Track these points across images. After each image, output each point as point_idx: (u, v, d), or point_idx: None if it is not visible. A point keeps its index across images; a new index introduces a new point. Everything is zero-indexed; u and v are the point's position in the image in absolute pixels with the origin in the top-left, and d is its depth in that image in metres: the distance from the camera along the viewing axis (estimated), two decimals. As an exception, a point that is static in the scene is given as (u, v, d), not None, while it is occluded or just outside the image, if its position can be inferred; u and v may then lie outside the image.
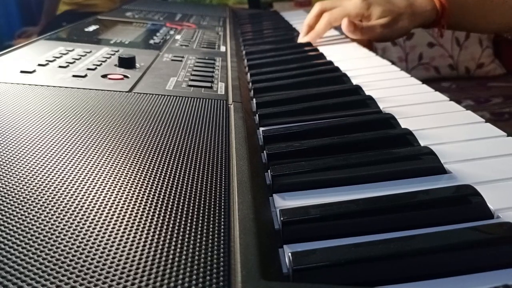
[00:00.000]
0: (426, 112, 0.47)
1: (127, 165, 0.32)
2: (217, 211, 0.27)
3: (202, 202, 0.28)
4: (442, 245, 0.25)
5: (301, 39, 0.85)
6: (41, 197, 0.27)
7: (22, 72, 0.52)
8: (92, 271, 0.21)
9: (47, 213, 0.26)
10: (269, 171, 0.35)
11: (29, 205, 0.26)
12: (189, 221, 0.26)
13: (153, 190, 0.29)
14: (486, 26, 0.85)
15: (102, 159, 0.33)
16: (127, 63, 0.58)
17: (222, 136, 0.38)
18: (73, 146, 0.34)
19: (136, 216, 0.26)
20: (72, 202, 0.27)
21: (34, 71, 0.52)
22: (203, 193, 0.29)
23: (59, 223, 0.25)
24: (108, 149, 0.34)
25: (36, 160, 0.31)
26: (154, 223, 0.26)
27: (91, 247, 0.23)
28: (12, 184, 0.28)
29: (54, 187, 0.28)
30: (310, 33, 0.84)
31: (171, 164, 0.33)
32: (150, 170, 0.32)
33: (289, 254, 0.25)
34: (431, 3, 0.78)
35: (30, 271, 0.21)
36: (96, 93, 0.47)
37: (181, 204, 0.28)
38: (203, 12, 1.21)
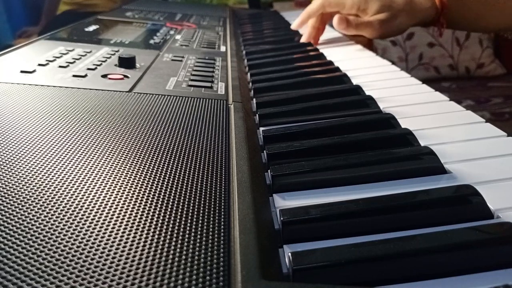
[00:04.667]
0: (426, 112, 0.47)
1: (127, 165, 0.32)
2: (217, 211, 0.27)
3: (202, 202, 0.28)
4: (442, 245, 0.25)
5: (293, 25, 0.85)
6: (41, 197, 0.27)
7: (22, 72, 0.52)
8: (92, 271, 0.21)
9: (47, 213, 0.26)
10: (269, 171, 0.35)
11: (29, 205, 0.26)
12: (189, 221, 0.26)
13: (153, 190, 0.29)
14: (486, 25, 0.84)
15: (102, 159, 0.33)
16: (127, 63, 0.58)
17: (222, 136, 0.38)
18: (73, 146, 0.34)
19: (136, 216, 0.26)
20: (72, 202, 0.27)
21: (34, 71, 0.52)
22: (203, 193, 0.29)
23: (59, 223, 0.25)
24: (108, 149, 0.34)
25: (36, 160, 0.31)
26: (154, 223, 0.26)
27: (91, 247, 0.23)
28: (12, 184, 0.28)
29: (54, 187, 0.28)
30: (302, 13, 0.84)
31: (171, 164, 0.33)
32: (150, 170, 0.32)
33: (289, 254, 0.25)
34: (430, 1, 0.77)
35: (30, 271, 0.21)
36: (96, 93, 0.47)
37: (181, 204, 0.28)
38: (203, 12, 1.21)
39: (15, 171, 0.30)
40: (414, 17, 0.77)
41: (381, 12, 0.76)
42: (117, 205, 0.27)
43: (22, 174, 0.30)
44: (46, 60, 0.57)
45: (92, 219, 0.25)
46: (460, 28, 0.88)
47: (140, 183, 0.30)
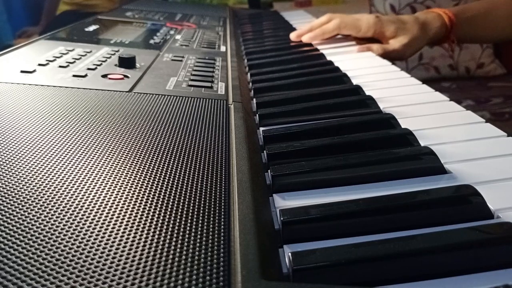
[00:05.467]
0: (426, 112, 0.47)
1: (127, 165, 0.32)
2: (217, 211, 0.27)
3: (202, 202, 0.28)
4: (442, 245, 0.25)
5: (305, 38, 0.83)
6: (41, 197, 0.27)
7: (22, 72, 0.52)
8: (92, 271, 0.21)
9: (47, 213, 0.26)
10: (269, 171, 0.35)
11: (29, 205, 0.26)
12: (189, 221, 0.26)
13: (153, 190, 0.29)
14: (495, 36, 0.86)
15: (102, 159, 0.33)
16: (127, 63, 0.58)
17: (222, 136, 0.38)
18: (73, 146, 0.34)
19: (136, 216, 0.26)
20: (72, 202, 0.27)
21: (34, 71, 0.52)
22: (203, 193, 0.29)
23: (59, 223, 0.25)
24: (108, 149, 0.34)
25: (36, 160, 0.31)
26: (154, 223, 0.26)
27: (91, 247, 0.23)
28: (12, 184, 0.28)
29: (54, 187, 0.28)
30: (317, 30, 0.83)
31: (171, 164, 0.33)
32: (150, 170, 0.32)
33: (289, 254, 0.25)
34: (440, 20, 0.79)
35: (30, 271, 0.21)
36: (96, 93, 0.47)
37: (181, 204, 0.28)
38: (203, 12, 1.21)
39: (15, 171, 0.30)
40: (427, 36, 0.79)
41: (397, 34, 0.78)
42: (117, 205, 0.27)
43: (22, 174, 0.30)
44: (46, 60, 0.57)
45: (92, 219, 0.25)
46: (469, 42, 0.90)
47: (140, 183, 0.30)
